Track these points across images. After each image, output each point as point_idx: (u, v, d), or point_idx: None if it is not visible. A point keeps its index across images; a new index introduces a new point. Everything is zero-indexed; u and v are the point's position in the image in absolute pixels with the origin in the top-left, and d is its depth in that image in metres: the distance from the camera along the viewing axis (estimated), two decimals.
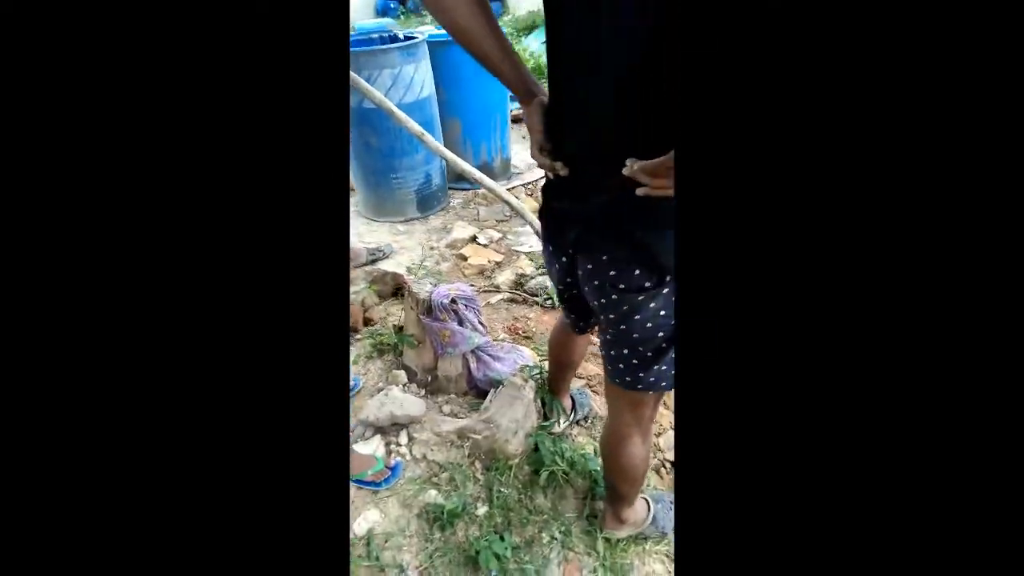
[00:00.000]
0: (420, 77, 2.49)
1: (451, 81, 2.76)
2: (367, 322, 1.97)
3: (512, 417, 1.38)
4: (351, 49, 2.48)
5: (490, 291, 2.21)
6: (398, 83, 2.40)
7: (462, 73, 2.76)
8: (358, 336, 1.89)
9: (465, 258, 2.42)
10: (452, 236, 2.58)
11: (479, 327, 1.70)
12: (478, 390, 1.65)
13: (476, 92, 2.84)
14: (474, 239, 2.57)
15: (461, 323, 1.64)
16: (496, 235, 2.64)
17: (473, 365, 1.63)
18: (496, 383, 1.59)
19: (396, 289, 2.14)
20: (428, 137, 2.21)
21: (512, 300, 2.19)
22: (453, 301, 1.62)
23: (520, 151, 3.64)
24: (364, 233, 2.62)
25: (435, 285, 1.68)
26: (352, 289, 1.97)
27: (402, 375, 1.67)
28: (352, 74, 2.00)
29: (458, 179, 3.03)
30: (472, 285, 2.19)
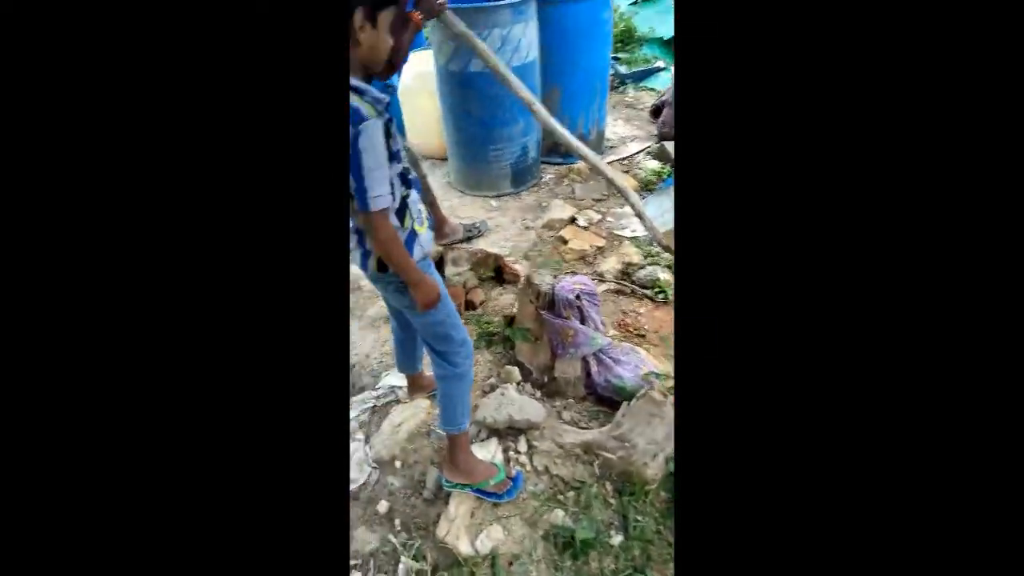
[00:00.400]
0: (528, 39, 2.28)
1: (555, 44, 2.51)
2: (469, 305, 1.85)
3: (651, 437, 1.23)
4: (460, 6, 2.28)
5: (594, 280, 2.04)
6: (506, 44, 2.20)
7: (569, 35, 2.50)
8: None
9: (565, 241, 2.24)
10: (549, 215, 2.40)
11: (600, 326, 1.54)
12: (597, 395, 1.50)
13: (581, 56, 2.59)
14: (573, 220, 2.38)
15: (583, 321, 1.49)
16: (595, 216, 2.44)
17: (594, 368, 1.48)
18: (619, 390, 1.43)
19: (496, 271, 2.00)
20: (539, 106, 2.00)
21: (619, 292, 2.01)
22: (577, 297, 1.47)
23: (612, 123, 3.37)
24: (457, 207, 2.47)
25: (555, 277, 1.52)
26: (455, 270, 1.84)
27: (515, 372, 1.53)
28: (469, 32, 1.81)
29: (550, 152, 2.82)
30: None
